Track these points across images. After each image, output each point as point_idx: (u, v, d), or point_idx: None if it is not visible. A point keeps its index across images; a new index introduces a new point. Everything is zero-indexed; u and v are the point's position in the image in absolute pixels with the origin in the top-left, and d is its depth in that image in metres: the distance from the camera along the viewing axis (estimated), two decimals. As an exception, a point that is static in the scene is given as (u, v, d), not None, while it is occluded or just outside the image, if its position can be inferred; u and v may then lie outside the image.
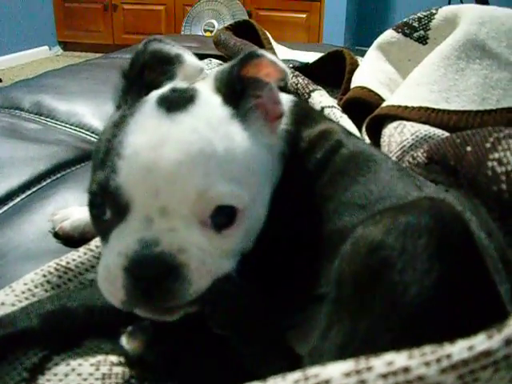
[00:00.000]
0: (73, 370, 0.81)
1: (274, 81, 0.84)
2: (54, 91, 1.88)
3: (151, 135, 0.74)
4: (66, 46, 7.35)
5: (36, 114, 1.75)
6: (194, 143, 0.73)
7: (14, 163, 1.38)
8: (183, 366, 0.80)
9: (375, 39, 1.66)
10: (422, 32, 1.53)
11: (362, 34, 6.11)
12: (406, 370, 0.46)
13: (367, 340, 0.61)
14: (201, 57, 2.06)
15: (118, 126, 0.78)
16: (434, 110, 1.29)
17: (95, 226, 0.83)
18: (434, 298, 0.60)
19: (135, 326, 0.82)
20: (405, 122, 1.28)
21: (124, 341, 0.82)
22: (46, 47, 7.10)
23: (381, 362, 0.47)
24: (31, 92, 1.88)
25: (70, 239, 1.09)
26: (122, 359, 0.82)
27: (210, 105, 0.80)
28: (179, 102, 0.78)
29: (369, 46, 1.70)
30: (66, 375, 0.81)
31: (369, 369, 0.47)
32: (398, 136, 1.25)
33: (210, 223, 0.75)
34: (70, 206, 1.16)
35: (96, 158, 0.80)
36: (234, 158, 0.76)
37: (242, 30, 2.12)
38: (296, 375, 0.49)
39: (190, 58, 0.89)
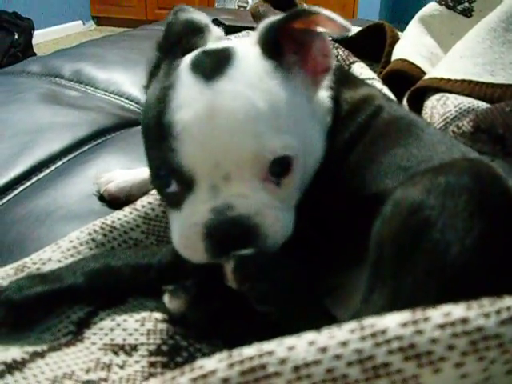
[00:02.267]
0: (118, 325, 0.83)
1: (336, 34, 0.83)
2: (93, 60, 1.89)
3: (197, 108, 0.74)
4: (99, 21, 7.37)
5: (76, 82, 1.76)
6: (239, 109, 0.73)
7: (55, 128, 1.40)
8: (225, 324, 0.80)
9: (411, 15, 1.64)
10: (466, 4, 1.51)
11: (398, 9, 6.00)
12: (465, 320, 0.46)
13: (410, 301, 0.61)
14: (238, 29, 2.06)
15: (162, 100, 0.77)
16: (477, 83, 1.27)
17: (162, 195, 0.86)
18: (476, 257, 0.61)
19: (178, 286, 0.83)
20: (448, 95, 1.26)
21: (166, 299, 0.83)
22: (80, 22, 7.12)
23: (438, 313, 0.47)
24: (71, 60, 1.89)
25: (116, 201, 1.10)
26: (166, 316, 0.83)
27: (247, 62, 0.79)
28: (215, 66, 0.77)
29: (405, 22, 1.67)
30: (112, 330, 0.82)
31: (426, 319, 0.47)
32: (440, 108, 1.23)
33: (270, 177, 0.76)
34: (112, 170, 1.17)
35: (148, 136, 0.81)
36: (279, 112, 0.76)
37: (280, 2, 2.10)
38: (352, 325, 0.49)
39: (215, 28, 0.89)
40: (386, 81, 1.48)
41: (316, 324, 0.68)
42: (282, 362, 0.48)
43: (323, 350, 0.47)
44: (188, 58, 0.81)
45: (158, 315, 0.84)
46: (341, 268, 0.80)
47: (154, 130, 0.78)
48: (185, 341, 0.80)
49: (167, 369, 0.76)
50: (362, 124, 0.89)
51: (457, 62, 1.33)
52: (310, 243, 0.80)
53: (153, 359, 0.78)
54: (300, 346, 0.48)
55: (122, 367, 0.77)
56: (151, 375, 0.74)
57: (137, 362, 0.77)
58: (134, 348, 0.79)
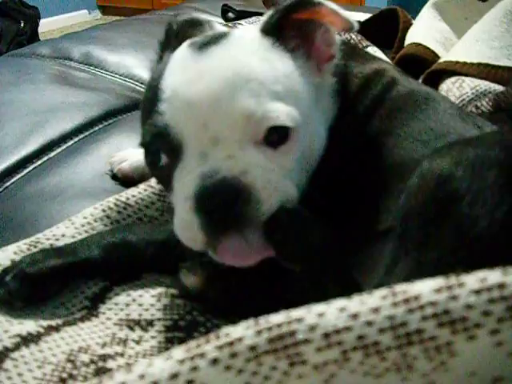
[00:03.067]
0: (134, 300, 0.82)
1: (340, 29, 0.82)
2: (102, 43, 1.87)
3: (187, 72, 0.73)
4: (105, 11, 7.36)
5: (85, 64, 1.75)
6: (228, 68, 0.72)
7: (66, 108, 1.38)
8: (242, 300, 0.79)
9: (419, 3, 1.62)
10: (482, -12, 1.50)
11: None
12: (501, 286, 0.44)
13: (435, 273, 0.59)
14: (249, 14, 2.04)
15: (157, 76, 0.78)
16: (493, 66, 1.26)
17: (156, 177, 0.84)
18: (505, 230, 0.59)
19: (194, 262, 0.82)
20: (463, 77, 1.26)
21: (183, 276, 0.82)
22: (86, 11, 7.12)
23: (473, 279, 0.46)
24: (80, 43, 1.87)
25: (129, 180, 1.09)
26: (183, 293, 0.82)
27: (243, 38, 0.79)
28: (210, 41, 0.77)
29: (413, 9, 1.66)
30: (127, 305, 0.81)
31: (460, 285, 0.46)
32: (456, 90, 1.22)
33: (265, 143, 0.73)
34: (124, 149, 1.16)
35: (143, 111, 0.81)
36: (276, 80, 0.74)
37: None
38: (383, 291, 0.48)
39: (220, 24, 0.89)
40: (399, 65, 1.46)
41: (341, 289, 0.67)
42: (312, 328, 0.46)
43: (354, 316, 0.46)
44: (186, 42, 0.81)
45: (175, 291, 0.83)
46: (361, 243, 0.79)
47: (147, 102, 0.77)
48: (202, 316, 0.79)
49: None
50: (376, 97, 0.88)
51: (473, 46, 1.32)
52: (329, 219, 0.79)
53: (170, 335, 0.77)
54: (330, 312, 0.47)
55: (138, 342, 0.76)
56: (168, 350, 0.73)
57: (153, 337, 0.77)
58: (150, 323, 0.78)
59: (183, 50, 0.78)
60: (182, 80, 0.73)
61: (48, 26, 6.22)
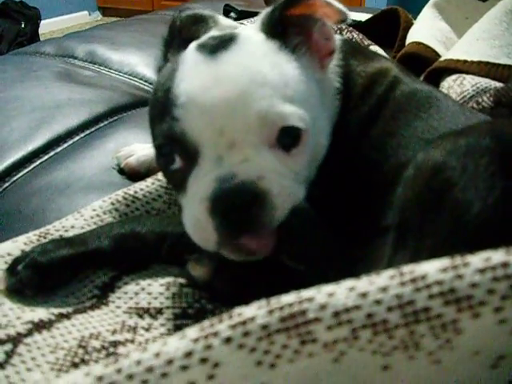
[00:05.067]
0: (142, 289, 0.83)
1: (333, 20, 0.84)
2: (106, 42, 1.89)
3: (201, 78, 0.75)
4: (105, 12, 7.37)
5: (90, 63, 1.77)
6: (243, 75, 0.74)
7: (72, 104, 1.40)
8: (250, 291, 0.81)
9: (418, 3, 1.64)
10: (482, -12, 1.51)
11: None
12: (505, 264, 0.46)
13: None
14: (250, 14, 2.06)
15: (168, 79, 0.79)
16: (494, 64, 1.28)
17: (168, 178, 0.85)
18: (498, 214, 0.61)
19: (202, 254, 0.83)
20: (464, 75, 1.27)
21: (191, 267, 0.84)
22: (86, 12, 7.13)
23: (477, 258, 0.47)
24: (84, 42, 1.89)
25: (136, 175, 1.10)
26: (191, 282, 0.84)
27: (251, 41, 0.81)
28: (219, 44, 0.79)
29: (413, 10, 1.67)
30: (136, 294, 0.83)
31: (465, 264, 0.47)
32: (457, 87, 1.24)
33: (278, 146, 0.75)
34: (130, 144, 1.17)
35: (154, 113, 0.82)
36: (286, 83, 0.76)
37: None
38: (391, 271, 0.49)
39: (224, 19, 0.90)
40: (400, 64, 1.48)
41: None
42: (322, 307, 0.48)
43: (363, 295, 0.48)
44: (193, 43, 0.83)
45: (183, 280, 0.84)
46: (364, 239, 0.81)
47: (159, 105, 0.78)
48: (211, 304, 0.80)
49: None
50: (380, 97, 0.89)
51: (474, 44, 1.34)
52: (333, 216, 0.80)
53: (178, 322, 0.78)
54: (340, 292, 0.48)
55: (147, 330, 0.77)
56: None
57: (162, 325, 0.78)
58: (159, 311, 0.80)
59: (193, 54, 0.79)
60: (197, 86, 0.74)
61: (48, 27, 6.24)
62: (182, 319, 0.78)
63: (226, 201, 0.71)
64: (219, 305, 0.80)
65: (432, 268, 0.48)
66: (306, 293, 0.49)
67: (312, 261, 0.75)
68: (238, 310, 0.50)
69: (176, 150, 0.76)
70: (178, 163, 0.77)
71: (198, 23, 0.90)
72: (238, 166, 0.72)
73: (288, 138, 0.75)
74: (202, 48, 0.79)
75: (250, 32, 0.84)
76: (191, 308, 0.80)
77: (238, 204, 0.71)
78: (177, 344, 0.48)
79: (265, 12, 0.84)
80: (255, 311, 0.49)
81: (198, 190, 0.74)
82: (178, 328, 0.77)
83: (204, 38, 0.84)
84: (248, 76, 0.74)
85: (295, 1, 0.81)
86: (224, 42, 0.79)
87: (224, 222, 0.71)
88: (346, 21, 0.82)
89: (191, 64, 0.78)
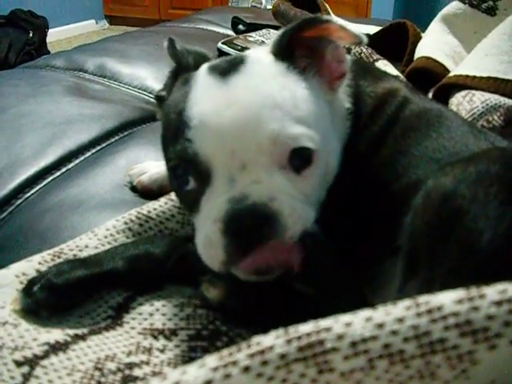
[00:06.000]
0: (157, 310, 0.84)
1: (348, 43, 0.84)
2: (116, 55, 1.90)
3: (213, 102, 0.76)
4: (112, 21, 7.40)
5: (99, 76, 1.78)
6: (253, 98, 0.75)
7: (83, 120, 1.41)
8: (264, 311, 0.81)
9: (425, 15, 1.65)
10: (490, 3, 1.52)
11: (412, 9, 5.97)
12: (521, 297, 0.47)
13: (444, 288, 0.62)
14: (259, 26, 2.07)
15: (181, 101, 0.79)
16: (503, 80, 1.28)
17: (181, 199, 0.86)
18: (509, 242, 0.61)
19: (214, 275, 0.84)
20: (473, 91, 1.28)
21: (204, 289, 0.84)
22: (93, 21, 7.16)
23: (493, 290, 0.48)
24: (94, 55, 1.90)
25: (149, 193, 1.11)
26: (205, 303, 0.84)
27: (261, 63, 0.82)
28: (230, 67, 0.80)
29: (419, 22, 1.68)
30: (151, 315, 0.83)
31: (481, 296, 0.48)
32: (467, 104, 1.24)
33: (289, 167, 0.76)
34: (142, 161, 1.18)
35: (167, 135, 0.83)
36: (296, 105, 0.77)
37: (300, 1, 2.11)
38: (407, 302, 0.50)
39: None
40: (409, 78, 1.49)
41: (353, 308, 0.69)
42: (340, 337, 0.48)
43: (380, 325, 0.48)
44: (204, 66, 0.84)
45: (197, 301, 0.85)
46: (374, 260, 0.81)
47: (173, 128, 0.79)
48: (225, 326, 0.81)
49: (208, 353, 0.77)
50: (390, 116, 0.90)
51: (482, 60, 1.34)
52: (341, 237, 0.81)
53: (193, 344, 0.79)
54: (357, 322, 0.49)
55: (162, 351, 0.78)
56: (192, 359, 0.75)
57: (177, 346, 0.79)
58: (174, 333, 0.80)
59: (205, 77, 0.80)
60: (209, 109, 0.75)
61: (55, 35, 6.26)
62: (196, 341, 0.79)
63: (238, 221, 0.72)
64: (233, 326, 0.80)
65: (448, 299, 0.49)
66: (324, 322, 0.50)
67: (322, 285, 0.76)
68: (256, 339, 0.50)
69: (189, 171, 0.77)
70: (191, 184, 0.78)
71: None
72: (249, 188, 0.73)
73: (299, 159, 0.76)
74: (214, 70, 0.81)
75: (259, 54, 0.84)
76: (205, 329, 0.80)
77: (250, 225, 0.72)
78: (196, 373, 0.49)
79: (276, 35, 0.85)
80: (273, 340, 0.49)
81: (211, 210, 0.74)
82: (192, 350, 0.78)
83: (214, 60, 0.85)
84: (258, 99, 0.75)
85: (309, 24, 0.82)
86: (234, 65, 0.80)
87: (234, 241, 0.72)
88: (362, 44, 0.83)
89: (203, 87, 0.79)
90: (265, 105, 0.74)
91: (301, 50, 0.84)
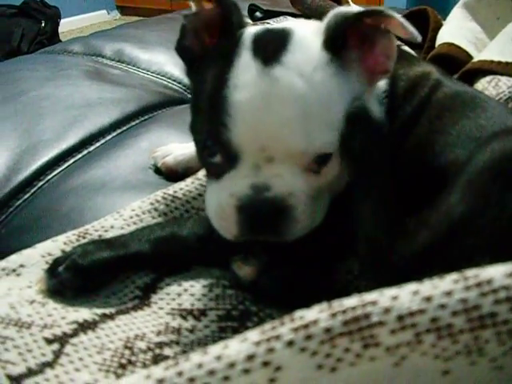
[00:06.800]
0: (185, 290, 0.83)
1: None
2: (133, 40, 1.89)
3: (254, 94, 0.74)
4: (124, 11, 7.38)
5: (117, 62, 1.77)
6: (292, 103, 0.73)
7: (103, 103, 1.40)
8: (297, 290, 0.81)
9: (438, 3, 1.62)
10: (514, -12, 1.50)
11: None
12: None
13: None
14: (276, 13, 2.05)
15: (220, 76, 0.77)
16: (529, 65, 1.26)
17: (205, 164, 0.85)
18: None
19: (247, 253, 0.84)
20: (499, 76, 1.25)
21: (236, 267, 0.84)
22: (105, 11, 7.14)
23: (546, 264, 0.47)
24: (111, 41, 1.89)
25: (173, 174, 1.10)
26: (234, 283, 0.84)
27: (307, 50, 0.78)
28: (274, 51, 0.76)
29: (438, 9, 1.66)
30: (179, 295, 0.83)
31: (534, 270, 0.47)
32: (492, 89, 1.23)
33: (310, 168, 0.77)
34: (164, 144, 1.17)
35: (201, 106, 0.81)
36: (329, 107, 0.76)
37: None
38: (454, 276, 0.49)
39: None
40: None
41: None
42: (386, 311, 0.47)
43: (428, 299, 0.47)
44: (248, 39, 0.79)
45: (226, 282, 0.84)
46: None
47: (209, 103, 0.78)
48: (255, 306, 0.80)
49: (238, 334, 0.76)
50: (424, 98, 0.88)
51: (508, 45, 1.32)
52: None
53: (223, 324, 0.78)
54: (403, 295, 0.48)
55: (191, 331, 0.77)
56: (222, 340, 0.74)
57: (206, 326, 0.78)
58: (203, 313, 0.80)
59: (248, 61, 0.76)
60: (248, 100, 0.74)
61: (67, 26, 6.25)
62: (226, 321, 0.78)
63: (258, 208, 0.74)
64: (263, 307, 0.80)
65: (497, 273, 0.47)
66: (369, 296, 0.49)
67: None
68: (299, 313, 0.49)
69: (218, 149, 0.77)
70: (218, 158, 0.78)
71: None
72: (272, 179, 0.74)
73: (320, 160, 0.77)
74: (258, 51, 0.77)
75: (307, 34, 0.81)
76: (235, 310, 0.80)
77: (266, 213, 0.75)
78: (238, 347, 0.48)
79: (334, 16, 0.80)
80: (317, 314, 0.49)
81: (232, 187, 0.76)
82: (222, 330, 0.77)
83: (262, 31, 0.81)
84: (296, 105, 0.74)
85: (373, 12, 0.78)
86: (279, 47, 0.77)
87: (248, 221, 0.75)
88: (416, 42, 0.80)
89: (245, 73, 0.76)
90: (301, 112, 0.74)
91: (353, 38, 0.80)
